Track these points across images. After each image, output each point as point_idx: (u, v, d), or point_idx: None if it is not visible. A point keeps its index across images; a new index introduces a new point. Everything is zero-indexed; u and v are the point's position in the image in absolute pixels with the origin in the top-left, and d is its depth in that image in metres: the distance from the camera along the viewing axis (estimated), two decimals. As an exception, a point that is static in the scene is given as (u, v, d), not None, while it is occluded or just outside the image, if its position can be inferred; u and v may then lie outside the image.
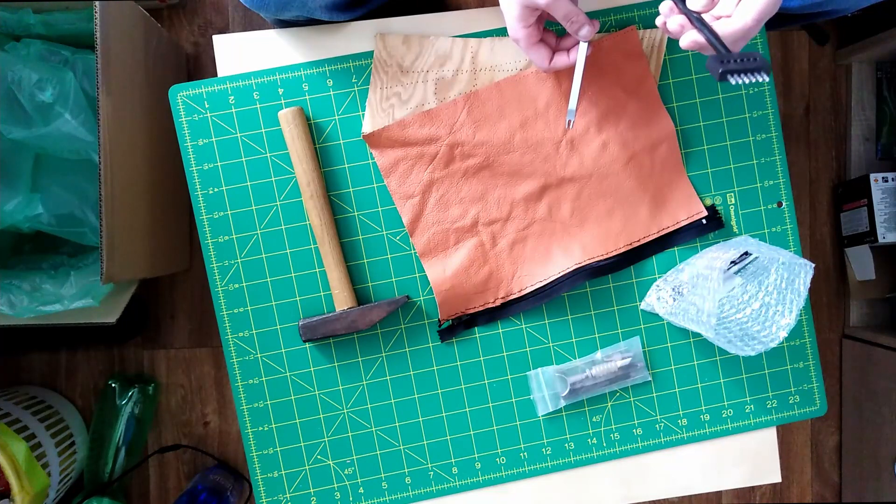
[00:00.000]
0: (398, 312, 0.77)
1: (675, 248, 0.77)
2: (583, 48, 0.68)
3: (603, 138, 0.76)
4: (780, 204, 0.78)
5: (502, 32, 0.76)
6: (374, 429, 0.77)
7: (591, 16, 0.76)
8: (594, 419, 0.78)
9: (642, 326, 0.78)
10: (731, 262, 0.70)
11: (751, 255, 0.70)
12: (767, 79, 0.58)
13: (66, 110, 0.92)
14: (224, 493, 1.13)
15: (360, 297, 0.77)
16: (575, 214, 0.77)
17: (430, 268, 0.76)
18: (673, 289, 0.74)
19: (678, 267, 0.76)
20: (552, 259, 0.77)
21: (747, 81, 0.55)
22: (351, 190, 0.76)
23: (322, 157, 0.76)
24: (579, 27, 0.66)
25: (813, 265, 0.66)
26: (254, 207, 0.76)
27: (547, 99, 0.75)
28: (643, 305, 0.77)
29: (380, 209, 0.76)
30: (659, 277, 0.77)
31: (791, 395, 0.79)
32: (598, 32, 0.76)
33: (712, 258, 0.71)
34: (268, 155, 0.76)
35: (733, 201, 0.78)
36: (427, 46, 0.75)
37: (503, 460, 0.78)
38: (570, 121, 0.70)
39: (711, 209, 0.77)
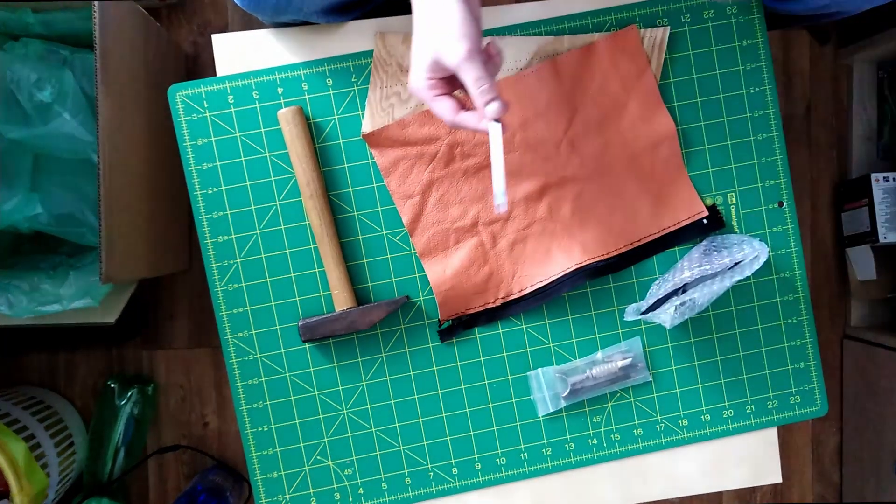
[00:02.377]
0: (398, 312, 0.77)
1: (676, 248, 0.77)
2: (495, 130, 0.58)
3: (603, 138, 0.76)
4: (780, 204, 0.78)
5: (502, 32, 0.76)
6: (373, 429, 0.77)
7: (593, 15, 0.76)
8: (595, 420, 0.78)
9: (643, 327, 0.78)
10: (735, 263, 0.71)
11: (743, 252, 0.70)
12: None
13: (64, 110, 0.92)
14: (223, 494, 1.13)
15: (360, 297, 0.76)
16: (575, 214, 0.77)
17: (430, 268, 0.76)
18: (682, 303, 0.73)
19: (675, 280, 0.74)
20: (552, 259, 0.76)
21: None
22: (351, 190, 0.76)
23: (322, 156, 0.76)
24: (489, 100, 0.56)
25: (767, 249, 0.71)
26: (253, 207, 0.76)
27: (547, 99, 0.75)
28: (651, 317, 0.74)
29: (380, 209, 0.76)
30: (658, 277, 0.77)
31: (792, 395, 0.79)
32: (599, 32, 0.76)
33: (701, 270, 0.71)
34: (267, 155, 0.76)
35: (734, 201, 0.78)
36: (427, 46, 0.75)
37: (503, 461, 0.78)
38: (498, 204, 0.60)
39: (712, 209, 0.77)
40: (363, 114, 0.75)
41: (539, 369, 0.77)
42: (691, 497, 1.26)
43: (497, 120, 0.58)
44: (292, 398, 0.77)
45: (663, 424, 0.78)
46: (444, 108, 0.60)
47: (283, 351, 0.76)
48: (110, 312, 0.98)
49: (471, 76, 0.56)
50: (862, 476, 1.21)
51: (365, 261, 0.76)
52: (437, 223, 0.76)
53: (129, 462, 1.16)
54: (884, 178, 1.14)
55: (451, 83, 0.61)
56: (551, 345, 0.78)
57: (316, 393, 0.77)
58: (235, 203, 0.76)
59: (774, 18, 0.80)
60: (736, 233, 0.78)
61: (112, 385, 1.16)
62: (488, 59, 0.59)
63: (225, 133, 0.75)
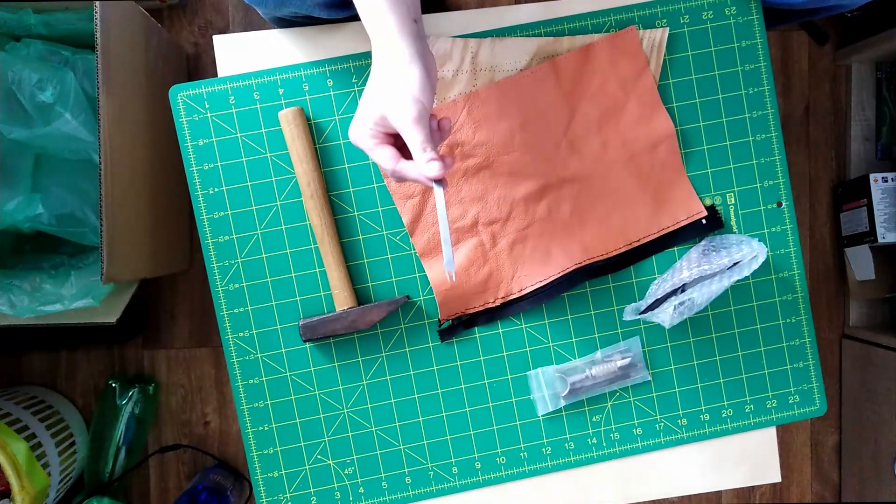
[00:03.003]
0: (398, 312, 0.77)
1: (675, 248, 0.78)
2: (438, 193, 0.59)
3: (603, 138, 0.76)
4: (779, 204, 0.78)
5: (502, 33, 0.76)
6: (374, 429, 0.77)
7: (592, 17, 0.76)
8: (594, 419, 0.78)
9: (642, 326, 0.78)
10: (734, 263, 0.71)
11: (742, 252, 0.70)
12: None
13: (66, 110, 0.92)
14: (224, 493, 1.13)
15: (360, 297, 0.77)
16: (575, 214, 0.77)
17: (430, 268, 0.76)
18: (680, 303, 0.73)
19: (673, 281, 0.75)
20: (552, 259, 0.77)
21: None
22: (351, 190, 0.76)
23: (322, 157, 0.76)
24: (430, 159, 0.56)
25: (766, 250, 0.72)
26: (254, 207, 0.76)
27: (546, 99, 0.75)
28: (650, 316, 0.75)
29: (380, 209, 0.76)
30: (658, 277, 0.77)
31: (791, 394, 0.79)
32: (598, 33, 0.76)
33: (700, 270, 0.71)
34: (268, 155, 0.76)
35: (733, 201, 0.78)
36: (427, 46, 0.75)
37: (503, 460, 0.78)
38: (450, 272, 0.61)
39: (711, 209, 0.77)
40: (363, 114, 0.76)
41: (539, 369, 0.77)
42: (690, 496, 1.27)
43: (439, 182, 0.59)
44: (293, 397, 0.77)
45: (662, 424, 0.78)
46: (383, 156, 0.60)
47: (283, 350, 0.77)
48: (111, 312, 0.98)
49: (416, 139, 0.57)
50: (861, 475, 1.21)
51: (365, 261, 0.77)
52: (438, 223, 0.76)
53: (130, 461, 1.16)
54: (882, 178, 1.14)
55: (392, 136, 0.61)
56: (551, 344, 0.78)
57: (316, 392, 0.77)
58: (236, 203, 0.76)
59: (773, 14, 0.80)
60: (735, 233, 0.78)
61: (113, 384, 1.16)
62: (436, 129, 0.60)
63: (226, 133, 0.75)
